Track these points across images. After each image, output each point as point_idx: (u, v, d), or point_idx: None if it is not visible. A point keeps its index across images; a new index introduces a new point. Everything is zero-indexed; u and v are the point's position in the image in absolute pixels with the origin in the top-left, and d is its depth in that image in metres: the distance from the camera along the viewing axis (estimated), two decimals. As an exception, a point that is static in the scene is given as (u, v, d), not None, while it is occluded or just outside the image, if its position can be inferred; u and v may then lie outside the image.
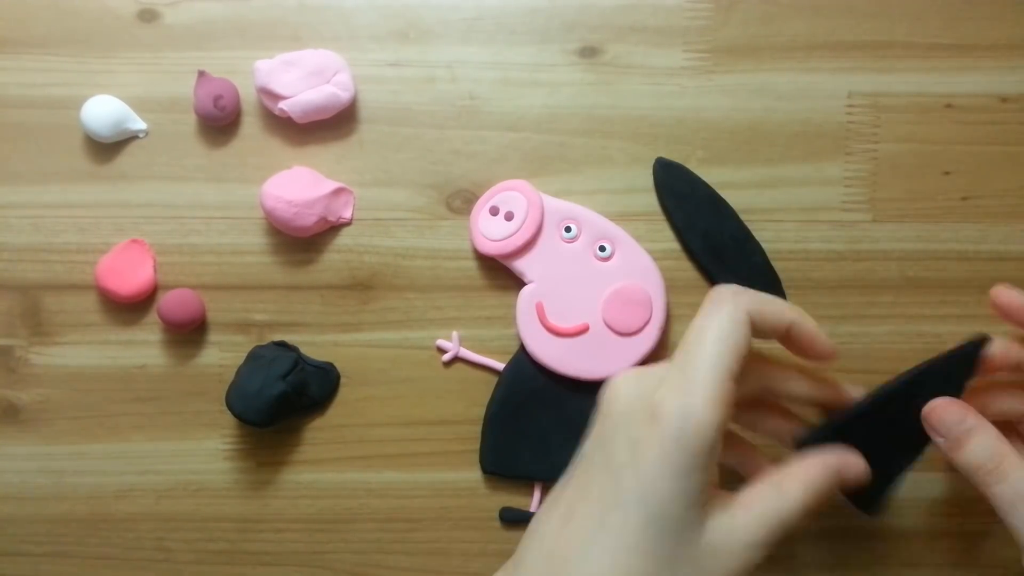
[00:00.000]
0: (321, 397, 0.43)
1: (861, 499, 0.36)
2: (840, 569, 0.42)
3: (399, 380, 0.43)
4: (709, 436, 0.29)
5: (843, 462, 0.34)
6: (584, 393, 0.42)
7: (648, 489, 0.30)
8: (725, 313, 0.32)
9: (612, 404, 0.32)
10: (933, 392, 0.35)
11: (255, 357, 0.42)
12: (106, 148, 0.43)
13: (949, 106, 0.43)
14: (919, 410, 0.35)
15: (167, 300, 0.42)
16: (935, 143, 0.43)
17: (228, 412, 0.41)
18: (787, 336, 0.34)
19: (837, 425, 0.35)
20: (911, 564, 0.43)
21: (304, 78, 0.42)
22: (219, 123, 0.43)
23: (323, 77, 0.42)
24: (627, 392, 0.32)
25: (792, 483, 0.32)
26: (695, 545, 0.30)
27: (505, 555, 0.44)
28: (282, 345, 0.43)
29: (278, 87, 0.42)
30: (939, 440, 0.34)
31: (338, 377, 0.43)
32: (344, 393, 0.43)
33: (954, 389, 0.35)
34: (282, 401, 0.41)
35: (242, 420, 0.41)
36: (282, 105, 0.42)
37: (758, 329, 0.32)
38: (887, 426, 0.35)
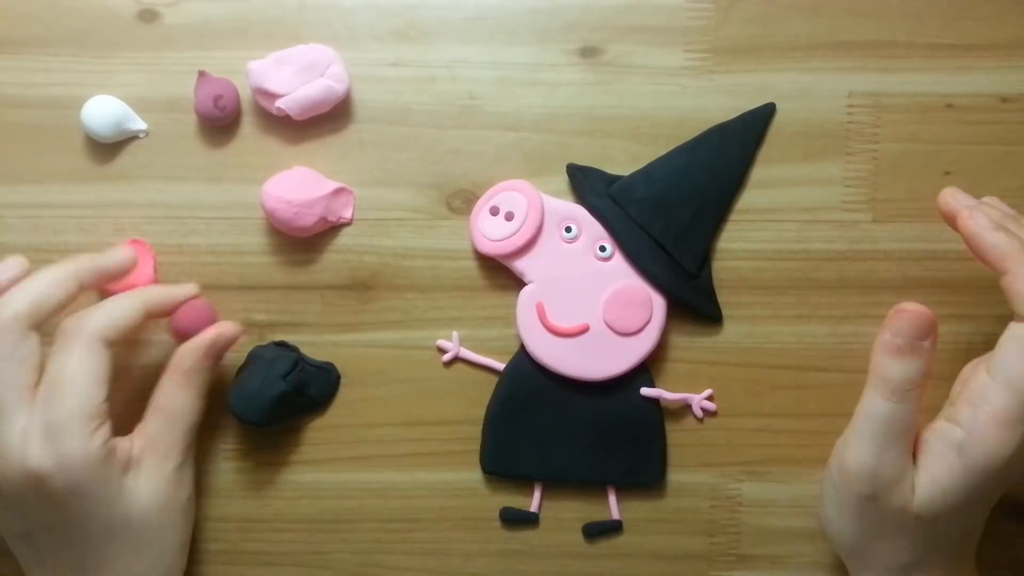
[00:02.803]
0: (321, 397, 0.43)
1: None
2: (840, 569, 0.42)
3: (399, 380, 0.43)
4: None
5: None
6: (584, 393, 0.42)
7: None
8: (81, 350, 0.36)
9: None
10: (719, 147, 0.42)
11: (255, 357, 0.42)
12: (106, 148, 0.43)
13: (949, 106, 0.43)
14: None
15: (182, 314, 0.40)
16: (935, 143, 0.43)
17: (228, 412, 0.41)
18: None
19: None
20: (911, 564, 0.43)
21: (297, 74, 0.42)
22: (219, 123, 0.43)
23: (316, 71, 0.42)
24: None
25: None
26: None
27: (505, 555, 0.44)
28: (282, 345, 0.43)
29: (273, 85, 0.41)
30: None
31: (338, 377, 0.43)
32: (344, 393, 0.43)
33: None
34: (282, 401, 0.41)
35: (242, 420, 0.41)
36: (279, 103, 0.42)
37: (119, 340, 0.37)
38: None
